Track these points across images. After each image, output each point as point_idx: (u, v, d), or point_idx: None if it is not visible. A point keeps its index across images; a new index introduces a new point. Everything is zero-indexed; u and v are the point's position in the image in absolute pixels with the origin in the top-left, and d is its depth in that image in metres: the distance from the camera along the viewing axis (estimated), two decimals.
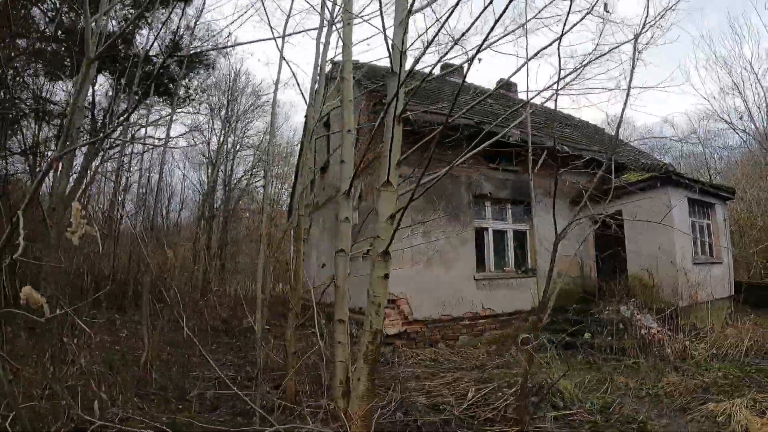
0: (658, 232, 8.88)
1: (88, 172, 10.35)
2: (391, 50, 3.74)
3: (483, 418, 4.45)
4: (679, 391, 5.31)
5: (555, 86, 4.08)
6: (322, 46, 6.11)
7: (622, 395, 5.37)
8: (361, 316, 6.96)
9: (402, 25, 3.89)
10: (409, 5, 3.90)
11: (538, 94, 4.25)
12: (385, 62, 4.15)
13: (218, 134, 22.08)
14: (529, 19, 4.64)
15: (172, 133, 17.37)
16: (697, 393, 5.27)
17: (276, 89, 6.91)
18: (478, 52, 3.33)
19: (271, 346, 7.55)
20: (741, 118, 19.03)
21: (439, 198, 8.79)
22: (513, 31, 4.30)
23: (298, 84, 5.92)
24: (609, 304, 9.27)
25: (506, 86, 14.59)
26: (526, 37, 6.29)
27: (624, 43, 4.55)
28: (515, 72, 3.98)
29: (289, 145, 26.57)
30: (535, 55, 3.91)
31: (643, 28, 4.43)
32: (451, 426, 4.24)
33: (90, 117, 10.99)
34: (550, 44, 3.78)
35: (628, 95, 4.71)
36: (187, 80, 12.77)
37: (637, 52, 4.62)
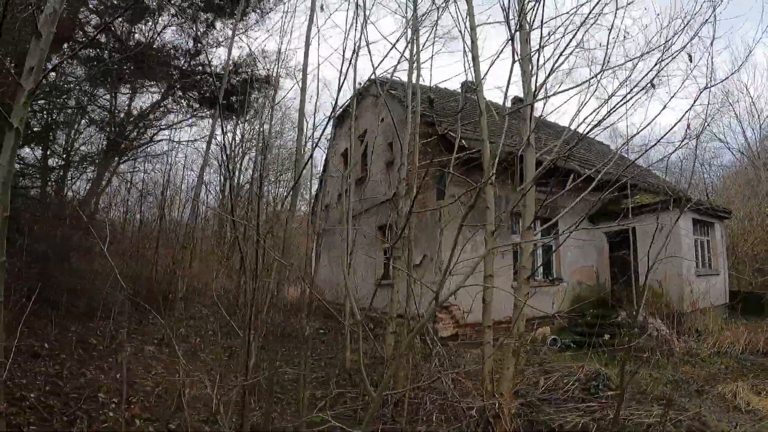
0: (667, 247, 10.94)
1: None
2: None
3: (561, 399, 6.39)
4: (693, 379, 7.32)
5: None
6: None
7: (648, 382, 7.33)
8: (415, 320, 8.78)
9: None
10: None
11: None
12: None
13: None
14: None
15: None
16: (707, 380, 7.31)
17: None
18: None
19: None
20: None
21: (482, 216, 10.70)
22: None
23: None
24: (623, 309, 11.35)
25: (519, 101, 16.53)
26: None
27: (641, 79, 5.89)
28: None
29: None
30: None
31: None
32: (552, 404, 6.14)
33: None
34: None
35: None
36: (253, 99, 14.34)
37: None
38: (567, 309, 11.79)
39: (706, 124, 5.37)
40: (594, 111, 4.95)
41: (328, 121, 4.49)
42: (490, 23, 7.55)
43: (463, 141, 10.10)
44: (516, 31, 5.33)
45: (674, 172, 21.49)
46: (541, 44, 5.26)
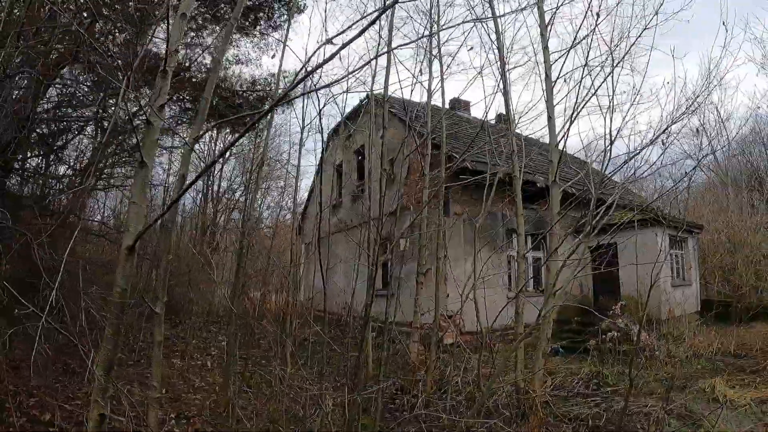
0: (646, 260, 12.44)
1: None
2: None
3: (569, 395, 7.71)
4: (675, 377, 8.74)
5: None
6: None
7: (638, 381, 8.71)
8: (408, 328, 10.02)
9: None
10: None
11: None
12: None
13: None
14: None
15: None
16: (687, 378, 8.74)
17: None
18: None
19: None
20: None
21: (482, 232, 12.00)
22: None
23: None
24: (606, 317, 12.79)
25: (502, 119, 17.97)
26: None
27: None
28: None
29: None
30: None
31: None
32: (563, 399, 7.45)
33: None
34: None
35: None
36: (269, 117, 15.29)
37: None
38: (554, 317, 13.17)
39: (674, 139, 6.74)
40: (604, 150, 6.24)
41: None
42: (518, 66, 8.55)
43: (467, 164, 11.42)
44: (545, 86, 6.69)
45: (648, 189, 23.47)
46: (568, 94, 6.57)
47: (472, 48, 8.89)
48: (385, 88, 7.13)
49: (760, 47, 28.22)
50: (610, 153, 5.63)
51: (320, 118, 5.17)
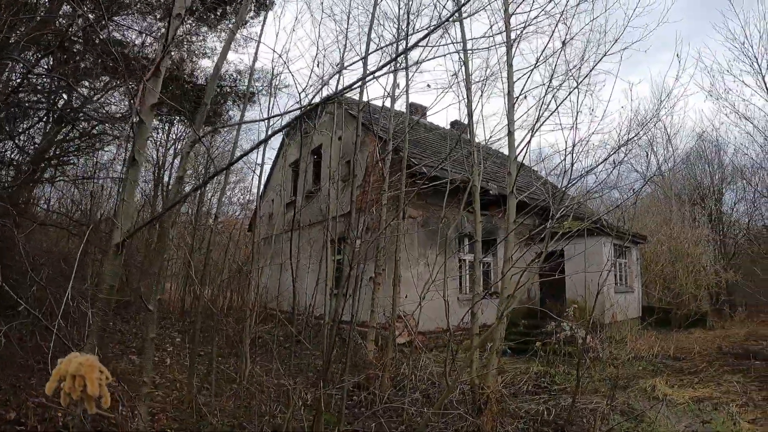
0: (591, 268, 13.12)
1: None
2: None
3: (519, 392, 8.18)
4: (618, 377, 9.34)
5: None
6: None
7: (584, 380, 9.27)
8: (365, 329, 10.38)
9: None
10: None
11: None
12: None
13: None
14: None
15: None
16: (629, 378, 9.36)
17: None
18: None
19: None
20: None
21: (435, 236, 12.41)
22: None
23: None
24: (552, 320, 13.42)
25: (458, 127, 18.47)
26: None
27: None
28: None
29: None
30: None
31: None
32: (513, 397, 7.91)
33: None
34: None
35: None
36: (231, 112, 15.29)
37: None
38: (506, 320, 13.76)
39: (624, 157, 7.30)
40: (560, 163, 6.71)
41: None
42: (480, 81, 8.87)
43: (424, 168, 11.81)
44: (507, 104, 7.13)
45: (595, 200, 24.47)
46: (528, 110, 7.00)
47: (440, 58, 9.11)
48: (360, 94, 7.44)
49: (709, 76, 29.69)
50: (572, 169, 6.08)
51: (300, 123, 5.38)
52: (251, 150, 2.89)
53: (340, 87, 7.33)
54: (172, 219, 26.57)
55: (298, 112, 3.89)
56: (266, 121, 7.14)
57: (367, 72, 6.90)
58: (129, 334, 11.74)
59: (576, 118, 6.38)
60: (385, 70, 6.44)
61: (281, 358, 8.12)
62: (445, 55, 9.89)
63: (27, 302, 5.51)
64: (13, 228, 6.33)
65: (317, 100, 6.73)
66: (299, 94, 6.54)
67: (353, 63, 6.89)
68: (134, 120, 3.63)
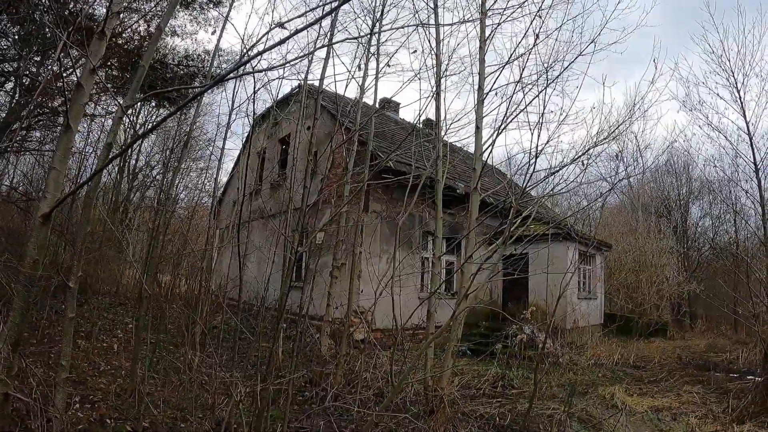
0: (555, 271, 13.04)
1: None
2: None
3: (475, 395, 8.01)
4: (577, 383, 9.24)
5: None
6: None
7: (542, 385, 9.14)
8: (320, 322, 10.15)
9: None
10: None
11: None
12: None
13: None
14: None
15: None
16: (588, 384, 9.26)
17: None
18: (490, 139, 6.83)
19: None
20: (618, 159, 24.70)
21: (400, 231, 12.21)
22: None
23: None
24: (513, 323, 13.31)
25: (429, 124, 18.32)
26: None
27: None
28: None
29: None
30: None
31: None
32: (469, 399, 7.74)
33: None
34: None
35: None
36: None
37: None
38: (464, 320, 13.61)
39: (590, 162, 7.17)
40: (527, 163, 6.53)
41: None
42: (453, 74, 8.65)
43: (390, 163, 11.59)
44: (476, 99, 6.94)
45: (562, 205, 24.66)
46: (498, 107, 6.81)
47: (416, 51, 8.87)
48: (321, 80, 7.17)
49: (684, 86, 30.00)
50: (535, 166, 5.90)
51: (254, 103, 5.11)
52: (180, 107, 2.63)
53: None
54: (138, 203, 26.07)
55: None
56: (231, 102, 6.89)
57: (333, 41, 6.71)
58: (79, 317, 11.30)
59: (542, 116, 6.20)
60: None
61: (231, 349, 7.86)
62: (414, 51, 9.54)
63: None
64: None
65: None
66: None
67: (321, 47, 6.55)
68: (70, 82, 3.38)
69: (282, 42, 2.51)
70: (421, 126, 8.60)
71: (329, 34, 7.14)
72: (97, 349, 9.00)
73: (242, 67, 3.30)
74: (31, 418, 4.73)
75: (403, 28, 7.32)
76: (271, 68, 4.19)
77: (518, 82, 6.65)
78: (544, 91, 6.28)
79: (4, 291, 5.77)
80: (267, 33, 2.93)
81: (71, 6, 10.31)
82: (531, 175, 5.87)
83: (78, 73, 3.41)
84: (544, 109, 6.15)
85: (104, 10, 10.67)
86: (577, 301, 14.14)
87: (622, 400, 8.26)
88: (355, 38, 8.04)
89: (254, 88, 5.00)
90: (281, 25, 2.65)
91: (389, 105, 19.04)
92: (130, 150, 22.10)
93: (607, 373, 10.67)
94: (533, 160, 5.84)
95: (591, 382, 9.61)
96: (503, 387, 8.55)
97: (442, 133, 7.68)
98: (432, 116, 8.39)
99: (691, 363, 12.27)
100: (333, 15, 6.54)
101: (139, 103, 19.81)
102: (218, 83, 3.43)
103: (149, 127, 19.64)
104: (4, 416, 2.87)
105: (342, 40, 7.31)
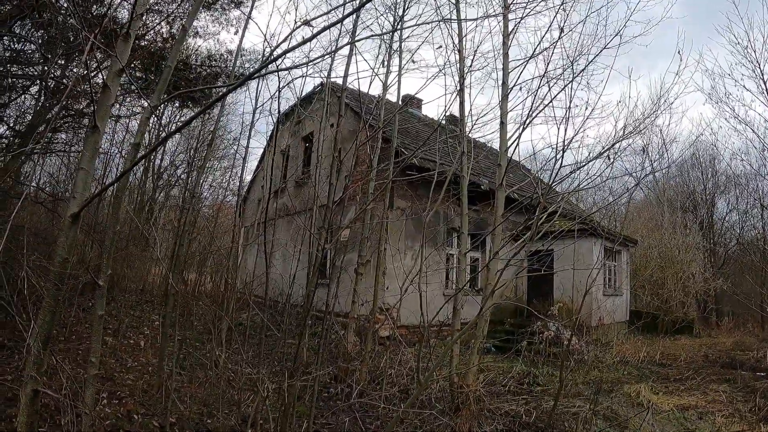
0: (581, 268, 12.89)
1: None
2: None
3: (501, 392, 7.95)
4: (603, 381, 9.12)
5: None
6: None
7: (567, 382, 9.05)
8: (345, 319, 10.13)
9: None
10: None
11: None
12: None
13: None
14: None
15: None
16: (614, 382, 9.14)
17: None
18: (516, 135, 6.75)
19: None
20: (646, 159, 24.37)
21: (425, 228, 12.16)
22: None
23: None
24: (539, 320, 13.19)
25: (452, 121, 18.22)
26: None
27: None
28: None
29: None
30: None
31: None
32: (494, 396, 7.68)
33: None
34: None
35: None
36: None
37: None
38: (489, 317, 13.53)
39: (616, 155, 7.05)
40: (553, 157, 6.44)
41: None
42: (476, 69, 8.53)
43: (414, 160, 11.54)
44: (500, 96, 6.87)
45: (587, 201, 24.40)
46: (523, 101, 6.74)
47: (440, 47, 8.82)
48: (345, 78, 7.14)
49: (710, 79, 29.50)
50: (562, 161, 5.80)
51: (278, 102, 5.09)
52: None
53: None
54: (163, 202, 26.28)
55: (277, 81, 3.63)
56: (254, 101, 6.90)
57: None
58: (106, 314, 11.40)
59: (569, 110, 6.10)
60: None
61: (257, 346, 7.89)
62: (440, 47, 9.47)
63: None
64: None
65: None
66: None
67: (343, 46, 6.51)
68: (96, 84, 3.37)
69: (308, 40, 2.49)
70: (444, 122, 8.51)
71: (352, 31, 7.13)
72: (124, 346, 9.08)
73: (266, 66, 3.28)
74: (61, 413, 4.83)
75: (425, 24, 7.26)
76: (295, 66, 4.16)
77: (543, 76, 6.57)
78: (570, 85, 6.19)
79: (33, 289, 5.84)
80: (293, 31, 2.90)
81: (93, 10, 10.39)
82: (558, 171, 5.76)
83: (103, 75, 3.42)
84: (571, 102, 6.06)
85: (126, 13, 10.81)
86: (602, 298, 13.98)
87: (648, 398, 8.15)
88: (378, 35, 8.06)
89: (278, 86, 4.98)
90: (307, 23, 2.63)
91: (412, 101, 19.01)
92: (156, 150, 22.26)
93: (633, 370, 10.55)
94: (560, 154, 5.74)
95: (616, 380, 9.49)
96: (528, 384, 8.48)
97: (467, 129, 7.62)
98: (455, 112, 8.31)
99: (718, 361, 12.06)
100: (356, 13, 6.51)
101: (163, 104, 19.91)
102: (245, 83, 3.41)
103: (174, 127, 19.77)
104: (34, 412, 2.87)
105: (365, 38, 7.24)
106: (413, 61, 10.65)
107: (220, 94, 5.60)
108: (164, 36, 11.75)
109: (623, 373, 10.22)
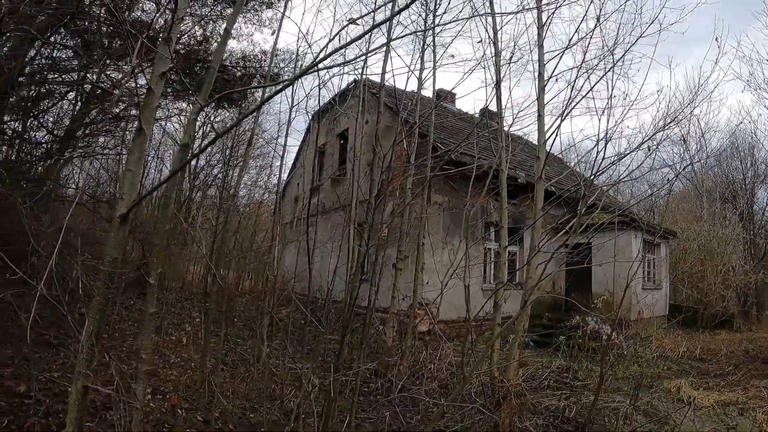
0: (621, 261, 12.71)
1: None
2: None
3: (540, 387, 7.88)
4: (642, 376, 8.98)
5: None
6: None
7: (607, 377, 8.92)
8: (384, 314, 10.14)
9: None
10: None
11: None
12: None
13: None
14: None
15: None
16: (653, 377, 8.99)
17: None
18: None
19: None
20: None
21: (461, 222, 12.10)
22: None
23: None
24: (577, 314, 13.05)
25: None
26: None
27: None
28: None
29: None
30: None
31: None
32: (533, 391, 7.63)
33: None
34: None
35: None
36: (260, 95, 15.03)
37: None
38: (529, 312, 13.44)
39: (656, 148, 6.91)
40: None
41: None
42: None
43: (452, 156, 11.49)
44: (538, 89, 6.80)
45: (625, 193, 24.00)
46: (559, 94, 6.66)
47: (480, 41, 8.75)
48: (382, 75, 7.17)
49: (748, 65, 28.67)
50: (604, 153, 5.72)
51: (319, 101, 5.14)
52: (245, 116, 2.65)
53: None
54: (200, 202, 26.62)
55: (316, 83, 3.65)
56: (290, 99, 6.97)
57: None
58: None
59: (610, 100, 6.00)
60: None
61: (299, 341, 7.98)
62: (480, 41, 9.42)
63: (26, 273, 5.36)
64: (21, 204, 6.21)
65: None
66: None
67: (380, 47, 6.56)
68: (140, 87, 3.44)
69: (353, 42, 2.50)
70: (479, 117, 8.49)
71: (387, 29, 7.13)
72: (166, 342, 9.23)
73: (295, 64, 3.30)
74: (108, 409, 4.94)
75: (459, 21, 7.21)
76: (334, 65, 4.19)
77: (580, 66, 6.48)
78: (610, 74, 6.10)
79: (84, 289, 5.95)
80: (340, 31, 2.90)
81: (128, 16, 10.57)
82: (600, 162, 5.68)
83: (146, 77, 3.47)
84: (610, 93, 5.97)
85: (161, 20, 10.98)
86: (641, 292, 13.75)
87: (689, 394, 8.01)
88: (413, 33, 8.05)
89: (318, 85, 5.02)
90: (354, 21, 2.63)
91: (446, 96, 18.94)
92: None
93: (673, 366, 10.37)
94: (602, 146, 5.66)
95: (656, 375, 9.35)
96: (568, 379, 8.38)
97: (505, 123, 7.57)
98: (492, 106, 8.25)
99: (759, 356, 11.75)
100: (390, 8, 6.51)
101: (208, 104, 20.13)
102: (291, 84, 3.43)
103: (210, 128, 19.97)
104: (84, 408, 2.95)
105: (400, 36, 7.27)
106: (451, 56, 10.63)
107: (271, 93, 5.68)
108: (198, 39, 11.92)
109: (663, 368, 10.06)
